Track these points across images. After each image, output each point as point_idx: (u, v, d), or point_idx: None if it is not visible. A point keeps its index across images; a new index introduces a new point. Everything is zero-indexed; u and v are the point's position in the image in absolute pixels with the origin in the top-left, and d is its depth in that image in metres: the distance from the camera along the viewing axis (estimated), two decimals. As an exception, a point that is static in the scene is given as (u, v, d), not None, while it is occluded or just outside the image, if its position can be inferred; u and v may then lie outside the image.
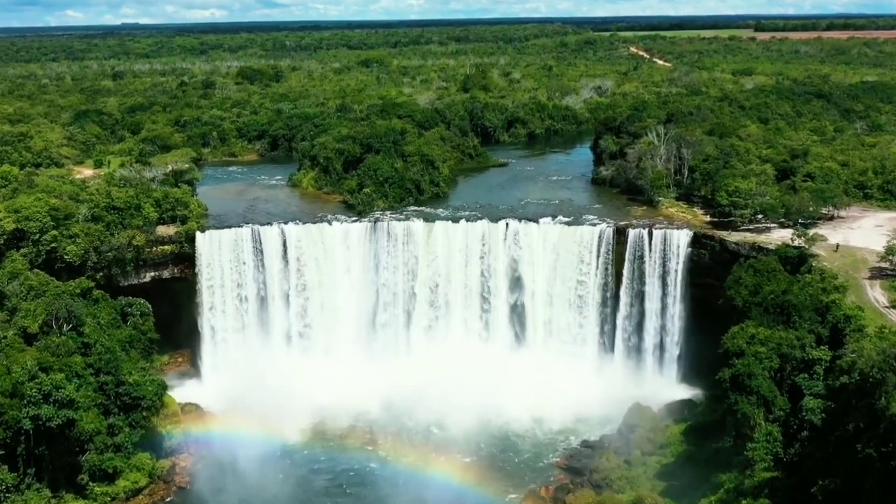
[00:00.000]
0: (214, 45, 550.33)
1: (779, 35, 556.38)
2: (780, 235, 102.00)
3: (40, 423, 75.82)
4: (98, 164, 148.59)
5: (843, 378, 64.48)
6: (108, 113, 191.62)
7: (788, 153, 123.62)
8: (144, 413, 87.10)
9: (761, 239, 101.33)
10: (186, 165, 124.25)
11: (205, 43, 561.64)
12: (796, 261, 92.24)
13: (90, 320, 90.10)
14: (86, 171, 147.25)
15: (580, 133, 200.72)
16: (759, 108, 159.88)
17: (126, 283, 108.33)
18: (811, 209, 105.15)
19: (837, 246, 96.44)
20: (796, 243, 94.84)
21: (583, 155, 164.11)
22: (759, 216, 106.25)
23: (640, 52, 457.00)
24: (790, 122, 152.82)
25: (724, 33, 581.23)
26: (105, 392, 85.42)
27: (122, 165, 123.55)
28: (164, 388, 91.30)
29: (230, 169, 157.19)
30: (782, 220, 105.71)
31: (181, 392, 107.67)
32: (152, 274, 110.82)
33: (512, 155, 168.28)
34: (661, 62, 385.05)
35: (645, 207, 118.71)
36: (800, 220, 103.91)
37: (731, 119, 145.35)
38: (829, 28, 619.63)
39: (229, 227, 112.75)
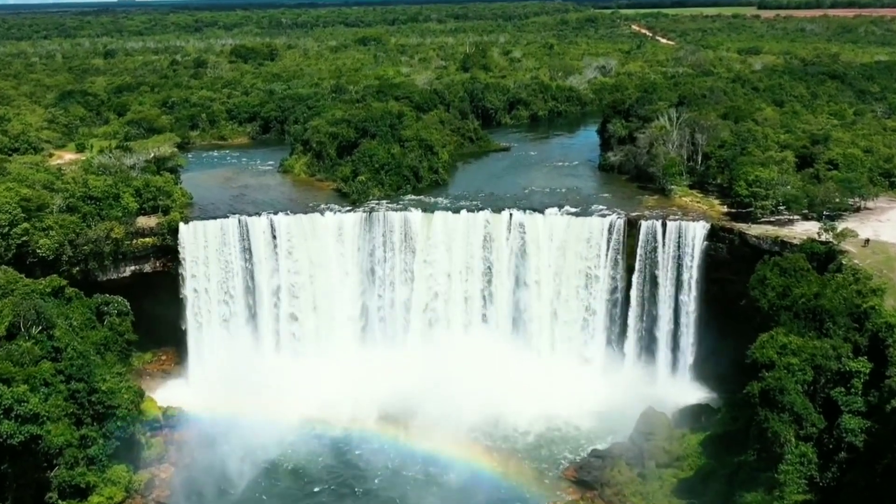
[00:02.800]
0: (209, 22, 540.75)
1: (783, 13, 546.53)
2: (804, 229, 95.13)
3: (0, 440, 69.13)
4: (80, 148, 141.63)
5: (894, 402, 57.65)
6: (93, 93, 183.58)
7: (808, 138, 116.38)
8: (119, 423, 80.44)
9: (784, 233, 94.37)
10: (170, 151, 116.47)
11: (199, 20, 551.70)
12: (823, 258, 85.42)
13: (62, 322, 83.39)
14: (67, 156, 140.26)
15: (584, 115, 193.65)
16: (773, 90, 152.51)
17: (104, 278, 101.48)
18: (837, 200, 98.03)
19: (867, 241, 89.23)
20: (823, 238, 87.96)
21: (588, 138, 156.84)
22: (781, 207, 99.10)
23: (643, 30, 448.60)
24: (806, 104, 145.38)
25: (728, 11, 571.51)
26: (77, 400, 78.75)
27: (101, 151, 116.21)
28: (142, 395, 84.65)
29: (219, 153, 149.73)
30: (805, 211, 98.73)
31: (165, 393, 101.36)
32: (133, 268, 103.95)
33: (514, 138, 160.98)
34: (663, 40, 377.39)
35: (657, 196, 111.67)
36: (825, 213, 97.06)
37: (746, 102, 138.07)
38: (834, 6, 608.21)
39: (215, 217, 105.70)
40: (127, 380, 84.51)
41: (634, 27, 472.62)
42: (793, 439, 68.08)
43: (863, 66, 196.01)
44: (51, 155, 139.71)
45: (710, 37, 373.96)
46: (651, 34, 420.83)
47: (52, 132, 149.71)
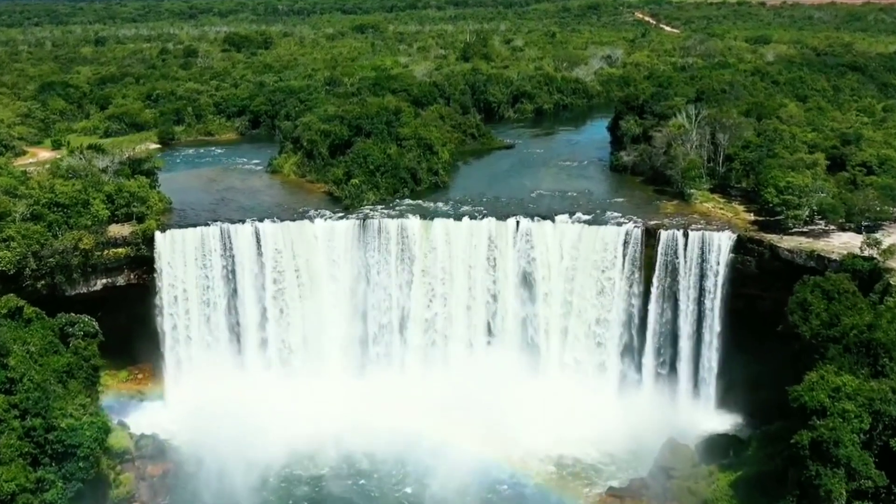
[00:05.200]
0: (204, 8, 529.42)
1: (790, 0, 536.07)
2: (841, 242, 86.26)
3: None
4: (56, 146, 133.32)
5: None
6: (75, 85, 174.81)
7: (838, 138, 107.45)
8: (82, 463, 71.67)
9: (820, 246, 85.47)
10: (146, 152, 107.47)
11: (194, 7, 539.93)
12: (867, 276, 76.52)
13: (18, 348, 74.44)
14: (42, 154, 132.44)
15: (591, 108, 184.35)
16: (794, 84, 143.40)
17: (73, 293, 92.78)
18: (878, 209, 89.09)
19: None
20: (866, 253, 79.13)
21: (596, 134, 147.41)
22: (816, 217, 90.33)
23: (646, 18, 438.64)
24: (830, 99, 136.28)
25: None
26: (33, 439, 70.11)
27: (71, 152, 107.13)
28: (107, 430, 75.48)
29: (204, 150, 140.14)
30: (841, 220, 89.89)
31: (139, 417, 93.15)
32: (104, 281, 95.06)
33: (518, 134, 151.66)
34: (668, 28, 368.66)
35: (675, 202, 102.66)
36: (864, 223, 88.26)
37: (767, 97, 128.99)
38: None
39: (195, 225, 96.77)
40: (92, 413, 75.40)
41: (638, 15, 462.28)
42: (844, 493, 59.48)
43: (881, 57, 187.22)
44: (24, 153, 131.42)
45: (715, 25, 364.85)
46: (655, 22, 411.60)
47: (26, 128, 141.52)
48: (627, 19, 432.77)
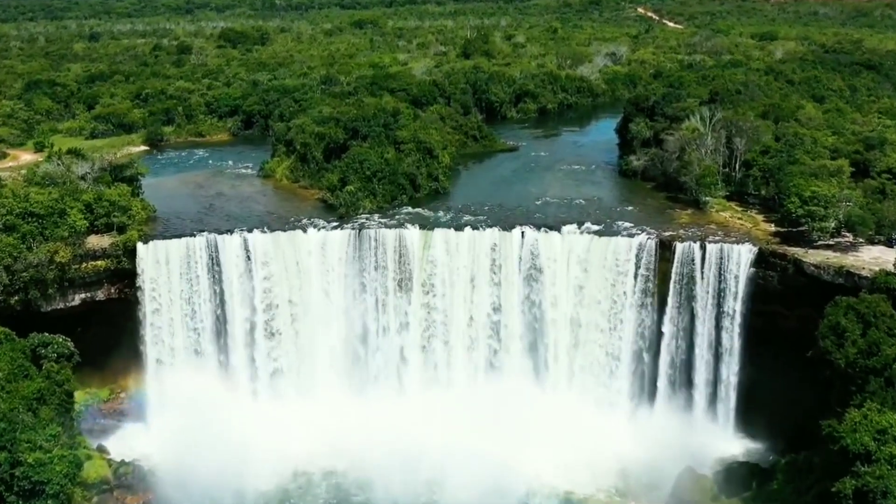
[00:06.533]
0: (201, 3, 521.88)
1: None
2: (871, 256, 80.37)
3: None
4: (39, 148, 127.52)
5: None
6: (62, 83, 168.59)
7: (860, 142, 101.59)
8: (50, 501, 65.99)
9: (849, 261, 79.54)
10: (128, 158, 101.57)
11: (191, 2, 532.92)
12: (901, 295, 70.88)
13: (-17, 374, 68.94)
14: (25, 156, 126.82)
15: (595, 107, 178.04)
16: (809, 83, 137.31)
17: (49, 309, 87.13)
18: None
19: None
20: (900, 271, 73.38)
21: (603, 135, 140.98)
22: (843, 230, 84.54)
23: (649, 13, 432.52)
24: (847, 100, 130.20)
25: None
26: (-3, 475, 64.67)
27: (48, 158, 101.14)
28: (79, 465, 69.85)
29: (194, 152, 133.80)
30: (870, 233, 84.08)
31: (120, 442, 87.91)
32: (83, 296, 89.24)
33: (522, 135, 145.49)
34: (671, 24, 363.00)
35: (690, 210, 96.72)
36: (894, 236, 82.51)
37: (782, 97, 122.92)
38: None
39: (180, 236, 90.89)
40: (63, 444, 69.66)
41: (640, 10, 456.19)
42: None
43: (894, 55, 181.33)
44: (5, 155, 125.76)
45: (719, 20, 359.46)
46: (658, 18, 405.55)
47: (9, 129, 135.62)
48: (630, 15, 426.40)
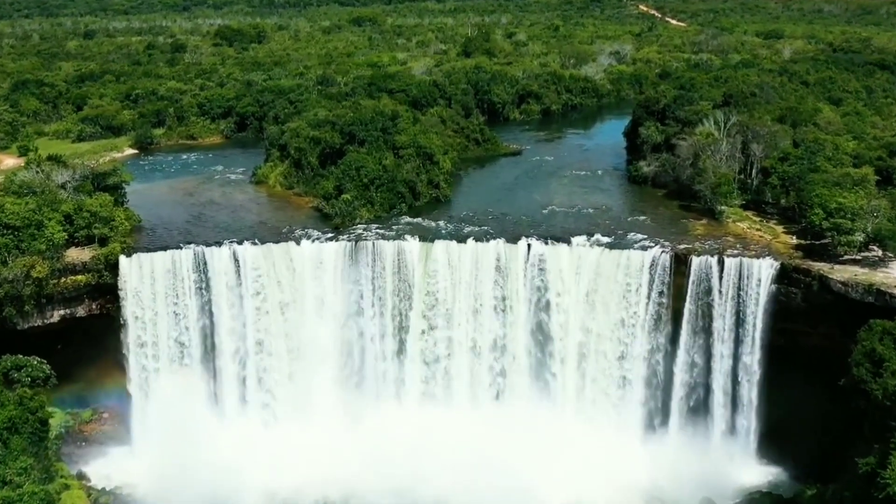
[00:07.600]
0: (198, 0, 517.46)
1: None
2: (902, 272, 75.51)
3: None
4: (23, 151, 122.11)
5: None
6: (50, 83, 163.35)
7: (883, 148, 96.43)
8: (20, 542, 61.07)
9: (879, 278, 74.32)
10: (111, 165, 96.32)
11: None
12: (941, 318, 65.88)
13: (-52, 403, 63.85)
14: (8, 161, 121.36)
15: (601, 108, 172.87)
16: (824, 85, 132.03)
17: (27, 326, 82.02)
18: (942, 235, 78.10)
19: None
20: (935, 291, 68.41)
21: (609, 138, 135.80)
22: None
23: (651, 11, 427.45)
24: (865, 102, 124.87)
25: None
26: (-39, 515, 59.61)
27: (26, 165, 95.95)
28: (51, 502, 64.77)
29: (185, 156, 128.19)
30: (896, 246, 78.96)
31: (103, 466, 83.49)
32: (62, 312, 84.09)
33: (525, 138, 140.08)
34: (674, 22, 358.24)
35: (705, 220, 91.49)
36: (924, 251, 77.48)
37: (798, 99, 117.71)
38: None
39: (165, 248, 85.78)
40: (35, 480, 64.57)
41: (642, 7, 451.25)
42: None
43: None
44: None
45: (722, 18, 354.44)
46: (660, 15, 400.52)
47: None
48: (632, 12, 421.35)
